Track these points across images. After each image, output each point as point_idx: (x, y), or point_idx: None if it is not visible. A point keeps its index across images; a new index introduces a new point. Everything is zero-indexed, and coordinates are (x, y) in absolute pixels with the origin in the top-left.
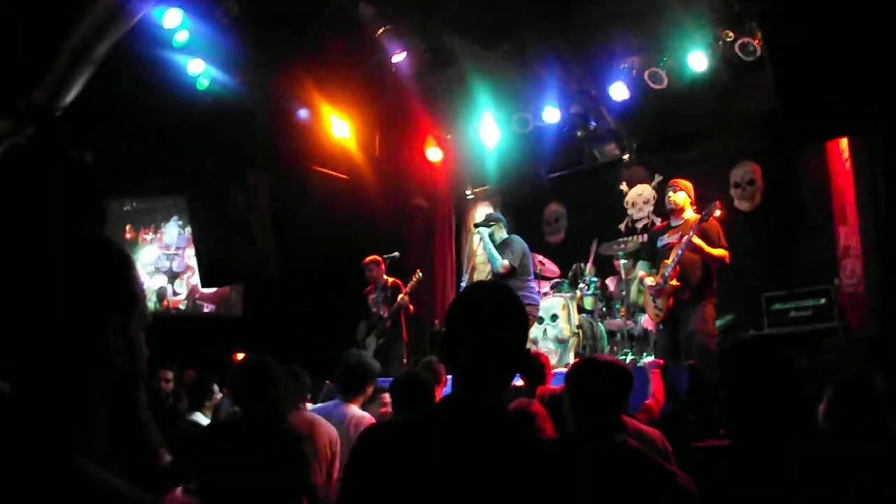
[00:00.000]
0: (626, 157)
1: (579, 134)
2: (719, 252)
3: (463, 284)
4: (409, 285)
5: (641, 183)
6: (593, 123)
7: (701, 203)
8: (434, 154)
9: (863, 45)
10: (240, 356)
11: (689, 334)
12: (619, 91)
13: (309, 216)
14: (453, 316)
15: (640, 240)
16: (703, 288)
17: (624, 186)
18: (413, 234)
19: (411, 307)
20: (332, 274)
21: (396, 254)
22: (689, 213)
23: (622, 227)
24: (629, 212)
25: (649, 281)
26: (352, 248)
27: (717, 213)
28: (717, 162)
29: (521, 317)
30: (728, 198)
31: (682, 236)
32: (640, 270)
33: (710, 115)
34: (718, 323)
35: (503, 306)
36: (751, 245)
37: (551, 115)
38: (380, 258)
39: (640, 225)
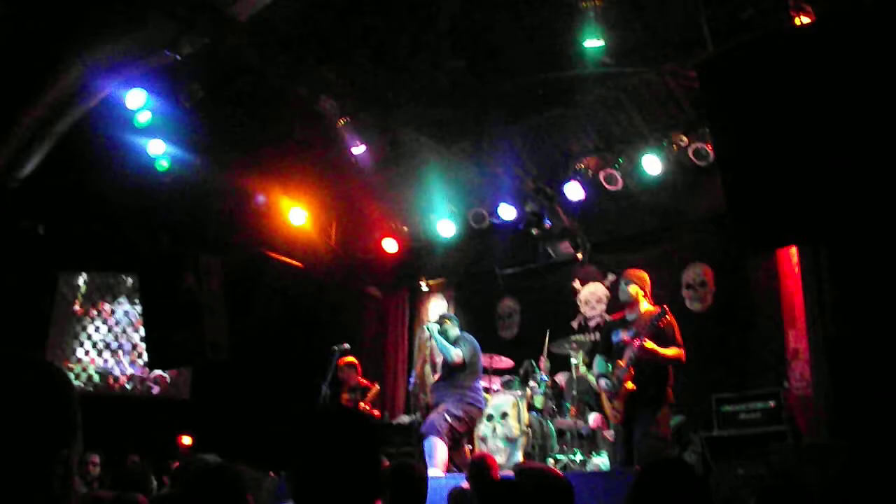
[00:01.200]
0: (579, 255)
1: (534, 231)
2: (673, 352)
3: (412, 379)
4: (369, 396)
5: (594, 281)
6: (548, 222)
7: (654, 299)
8: (390, 245)
9: (811, 156)
10: (185, 440)
11: (640, 437)
12: (574, 191)
13: (262, 301)
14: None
15: (593, 338)
16: (659, 391)
17: (577, 284)
18: (366, 324)
19: (378, 414)
20: (284, 360)
21: (346, 345)
22: (645, 305)
23: (575, 324)
24: (582, 309)
25: (604, 384)
26: (304, 336)
27: (667, 317)
28: (670, 263)
29: (361, 441)
30: (679, 298)
31: (636, 335)
32: (597, 368)
33: (663, 216)
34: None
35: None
36: (702, 345)
37: (507, 211)
38: (356, 362)
39: (592, 323)
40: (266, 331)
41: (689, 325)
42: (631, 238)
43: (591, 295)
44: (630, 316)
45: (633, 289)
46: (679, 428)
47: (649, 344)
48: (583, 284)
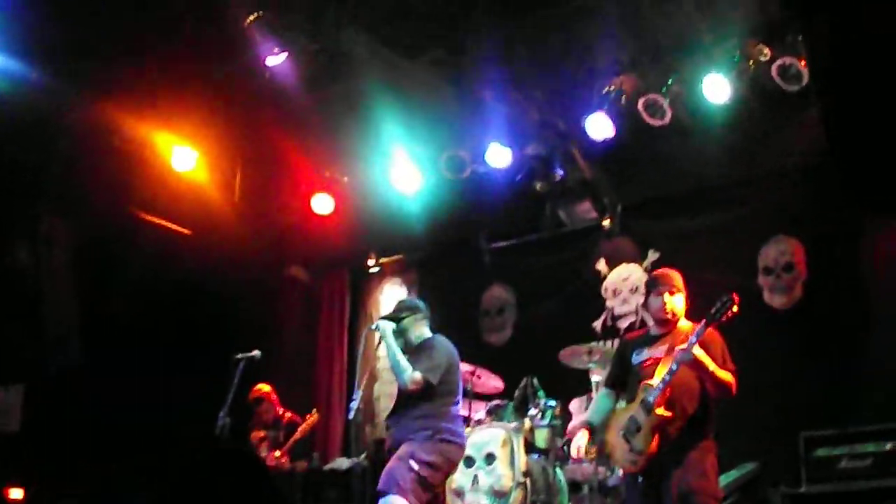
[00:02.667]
0: (606, 222)
1: (539, 186)
2: (725, 375)
3: (354, 404)
4: (301, 430)
5: (628, 262)
6: (560, 171)
7: (704, 302)
8: (322, 204)
9: None
10: (14, 494)
11: (683, 495)
12: (599, 125)
13: (130, 284)
14: None
15: None
16: (704, 425)
17: (602, 265)
18: (286, 320)
19: (306, 462)
20: (163, 373)
21: (256, 352)
22: (684, 323)
23: (598, 324)
24: (609, 303)
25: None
26: (194, 337)
27: (734, 309)
28: (740, 236)
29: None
30: (753, 289)
31: (670, 348)
32: (598, 405)
33: (732, 165)
34: (727, 478)
35: None
36: (786, 359)
37: (498, 156)
38: (269, 390)
39: (624, 323)
40: (136, 328)
41: (768, 327)
42: (682, 198)
43: (623, 281)
44: (657, 331)
45: (679, 301)
46: (749, 481)
47: (699, 352)
48: (610, 266)
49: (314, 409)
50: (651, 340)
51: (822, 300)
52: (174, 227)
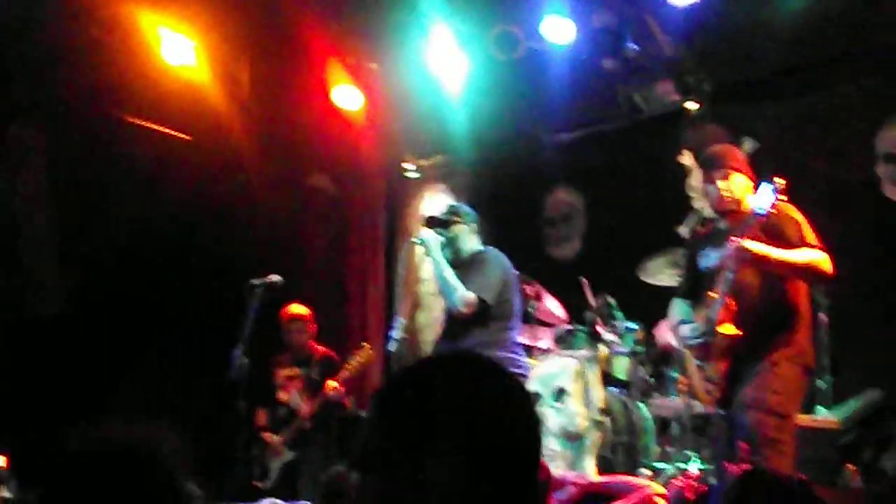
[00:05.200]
0: (691, 106)
1: (608, 65)
2: (802, 256)
3: (395, 334)
4: (350, 367)
5: None
6: (633, 46)
7: (814, 199)
8: (348, 98)
9: None
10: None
11: (737, 412)
12: None
13: (120, 206)
14: (374, 427)
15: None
16: (780, 330)
17: (687, 159)
18: (309, 240)
19: (348, 401)
20: (164, 309)
21: (276, 277)
22: (751, 203)
23: (685, 230)
24: (697, 204)
25: (686, 332)
26: (199, 264)
27: (779, 195)
28: (853, 118)
29: (521, 423)
30: (871, 179)
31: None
32: (675, 315)
33: (845, 36)
34: (847, 407)
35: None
36: None
37: (558, 29)
38: (306, 314)
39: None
40: (129, 257)
41: (888, 224)
42: (784, 75)
43: None
44: (724, 224)
45: (739, 182)
46: (870, 413)
47: (753, 244)
48: (698, 159)
49: (364, 343)
50: (718, 238)
51: None
52: (171, 132)
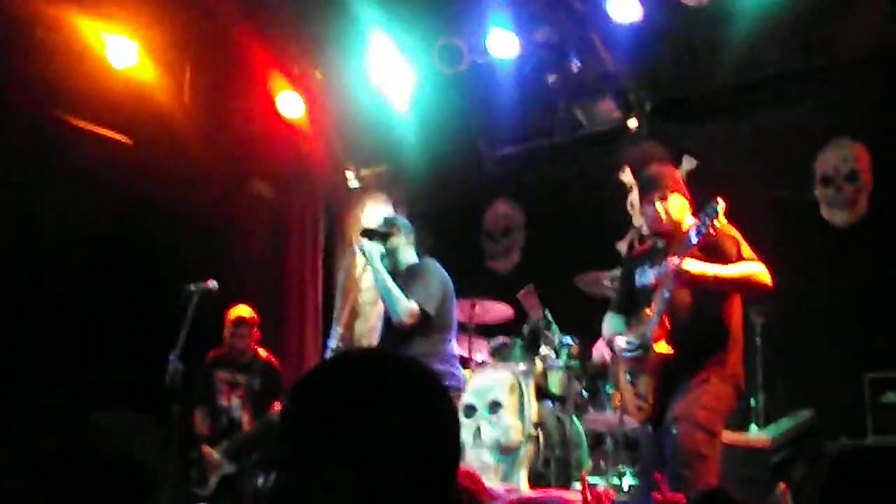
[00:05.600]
0: (631, 123)
1: (551, 80)
2: (740, 269)
3: (332, 343)
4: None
5: None
6: (576, 62)
7: (750, 218)
8: (290, 105)
9: None
10: None
11: (666, 427)
12: (623, 5)
13: (59, 208)
14: (293, 422)
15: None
16: (714, 349)
17: (627, 176)
18: (249, 244)
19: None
20: (102, 312)
21: (212, 283)
22: (689, 222)
23: (623, 245)
24: (636, 221)
25: (621, 344)
26: (137, 268)
27: (719, 209)
28: (793, 140)
29: (433, 425)
30: (809, 202)
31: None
32: (609, 328)
33: (784, 56)
34: (779, 426)
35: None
36: (846, 285)
37: (502, 44)
38: (253, 318)
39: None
40: (67, 259)
41: (827, 247)
42: (723, 93)
43: None
44: (661, 243)
45: (676, 202)
46: (802, 432)
47: (690, 264)
48: (637, 176)
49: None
50: (656, 256)
51: (892, 215)
52: (112, 135)
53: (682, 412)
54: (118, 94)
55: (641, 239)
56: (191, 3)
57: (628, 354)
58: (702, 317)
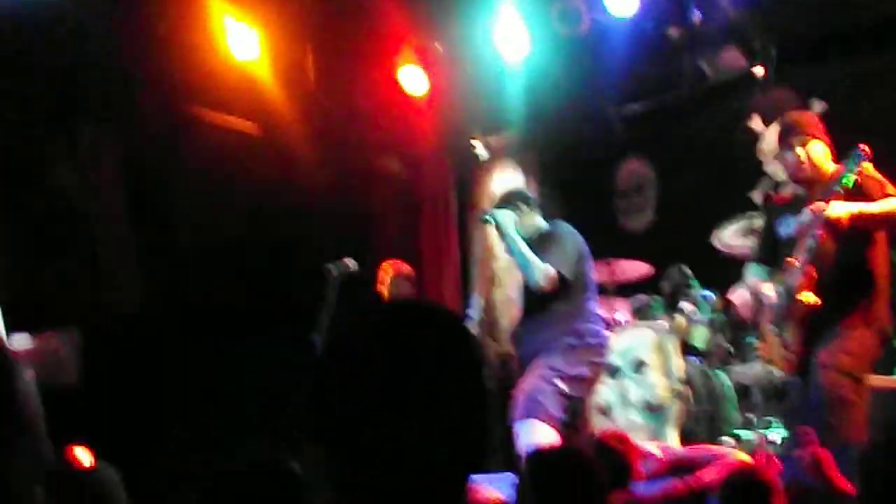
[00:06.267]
0: (758, 70)
1: (673, 34)
2: (886, 206)
3: (472, 313)
4: None
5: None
6: (697, 13)
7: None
8: (413, 80)
9: None
10: (80, 455)
11: (812, 372)
12: None
13: (193, 202)
14: (333, 383)
15: None
16: (854, 295)
17: (757, 123)
18: (380, 223)
19: None
20: (240, 303)
21: (352, 262)
22: (831, 169)
23: (758, 196)
24: (768, 168)
25: (769, 293)
26: (271, 254)
27: (865, 163)
28: None
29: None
30: None
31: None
32: (752, 277)
33: None
34: None
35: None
36: None
37: (622, 1)
38: (408, 272)
39: (790, 192)
40: (201, 249)
41: None
42: (856, 33)
43: None
44: (803, 192)
45: (817, 149)
46: None
47: (834, 209)
48: (767, 123)
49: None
50: (798, 205)
51: None
52: (238, 123)
53: (826, 359)
54: (242, 84)
55: (775, 187)
56: None
57: (774, 304)
58: (848, 264)
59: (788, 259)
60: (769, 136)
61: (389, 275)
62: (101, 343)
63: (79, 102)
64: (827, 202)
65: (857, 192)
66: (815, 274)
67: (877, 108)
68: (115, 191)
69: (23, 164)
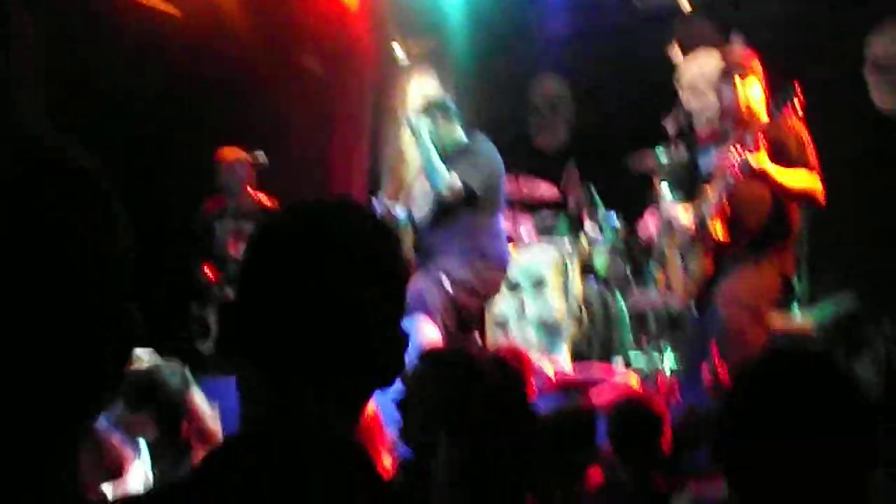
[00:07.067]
0: (684, 2)
1: None
2: (802, 179)
3: (377, 209)
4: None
5: (707, 47)
6: None
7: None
8: None
9: None
10: None
11: (714, 305)
12: None
13: (109, 82)
14: (252, 267)
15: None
16: (765, 238)
17: (676, 54)
18: (294, 119)
19: None
20: (151, 182)
21: (261, 155)
22: (764, 116)
23: (669, 126)
24: (684, 99)
25: (682, 217)
26: (185, 140)
27: (795, 101)
28: (843, 21)
29: (386, 256)
30: (857, 86)
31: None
32: (667, 198)
33: None
34: (813, 314)
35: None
36: (893, 171)
37: None
38: (241, 157)
39: (702, 124)
40: (117, 130)
41: (875, 133)
42: None
43: (701, 75)
44: (730, 130)
45: (757, 90)
46: (841, 318)
47: (760, 158)
48: (686, 53)
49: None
50: (722, 141)
51: None
52: (157, 4)
53: (727, 292)
54: None
55: (687, 117)
56: None
57: (683, 230)
58: (762, 207)
59: (706, 188)
60: (686, 67)
61: (224, 163)
62: None
63: None
64: (755, 149)
65: (778, 146)
66: (728, 209)
67: (793, 46)
68: (32, 73)
69: None
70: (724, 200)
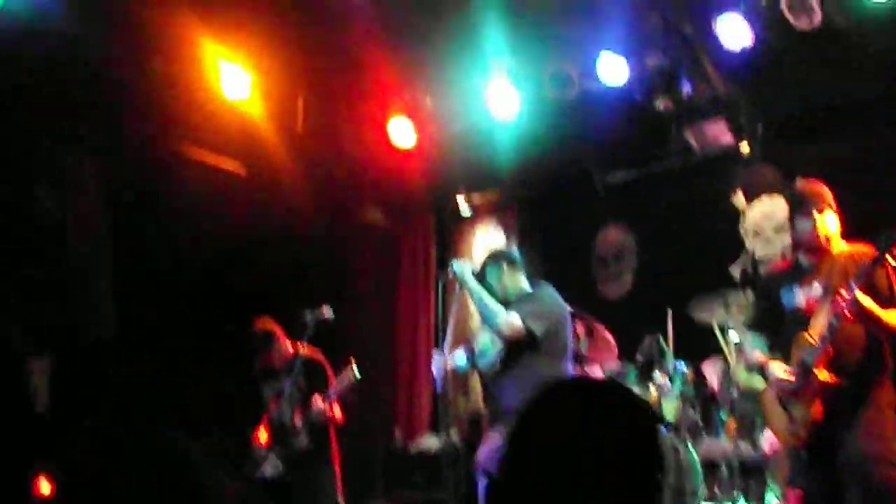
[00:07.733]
0: (743, 147)
1: (661, 105)
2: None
3: (438, 368)
4: (340, 382)
5: (771, 193)
6: (687, 86)
7: (861, 229)
8: (401, 133)
9: None
10: (44, 488)
11: (855, 463)
12: (733, 30)
13: (172, 236)
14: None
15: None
16: (877, 376)
17: (739, 200)
18: (360, 274)
19: (338, 414)
20: (215, 339)
21: (327, 310)
22: (841, 245)
23: (736, 271)
24: (749, 244)
25: (778, 372)
26: (249, 297)
27: (891, 258)
28: None
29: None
30: None
31: (828, 288)
32: (751, 349)
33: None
34: None
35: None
36: None
37: (612, 69)
38: (268, 329)
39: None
40: (180, 287)
41: None
42: (839, 115)
43: (766, 218)
44: (807, 261)
45: (830, 219)
46: None
47: (864, 298)
48: (750, 200)
49: (351, 359)
50: (802, 275)
51: None
52: (225, 165)
53: (873, 452)
54: (232, 124)
55: (756, 265)
56: (305, 32)
57: (785, 385)
58: (869, 346)
59: (804, 335)
60: (751, 213)
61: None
62: (71, 369)
63: (66, 134)
64: (856, 287)
65: (867, 281)
66: (830, 352)
67: (857, 188)
68: (95, 217)
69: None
70: (828, 345)
